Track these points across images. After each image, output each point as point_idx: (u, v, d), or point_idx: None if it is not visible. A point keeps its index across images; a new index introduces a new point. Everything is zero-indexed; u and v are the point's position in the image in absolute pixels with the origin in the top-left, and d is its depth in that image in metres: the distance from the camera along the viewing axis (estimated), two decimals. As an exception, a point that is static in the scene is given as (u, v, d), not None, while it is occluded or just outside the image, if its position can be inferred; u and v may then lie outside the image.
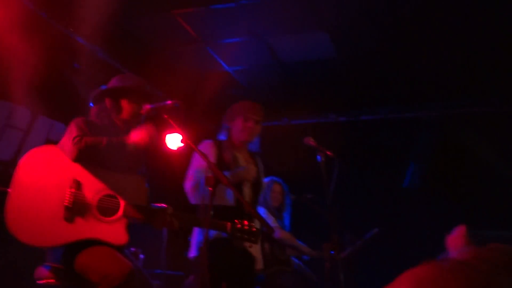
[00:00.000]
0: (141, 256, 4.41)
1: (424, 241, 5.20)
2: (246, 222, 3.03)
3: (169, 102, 2.88)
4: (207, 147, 3.56)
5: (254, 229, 3.04)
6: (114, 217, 2.79)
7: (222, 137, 3.72)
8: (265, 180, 5.03)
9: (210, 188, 2.70)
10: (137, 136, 2.89)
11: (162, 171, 5.57)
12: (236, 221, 3.02)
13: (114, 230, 2.77)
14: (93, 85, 3.36)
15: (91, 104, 3.17)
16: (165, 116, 2.88)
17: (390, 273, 1.42)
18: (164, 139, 5.40)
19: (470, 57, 5.28)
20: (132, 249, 4.13)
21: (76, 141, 2.76)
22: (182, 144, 3.38)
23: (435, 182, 6.37)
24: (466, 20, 4.65)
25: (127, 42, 5.24)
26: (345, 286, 3.68)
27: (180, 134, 2.87)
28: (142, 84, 3.13)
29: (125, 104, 3.08)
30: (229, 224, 3.01)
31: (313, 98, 6.38)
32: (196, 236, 3.42)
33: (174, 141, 5.38)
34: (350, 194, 5.60)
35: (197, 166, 3.43)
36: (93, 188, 2.81)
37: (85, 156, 2.78)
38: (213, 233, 3.21)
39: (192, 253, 3.41)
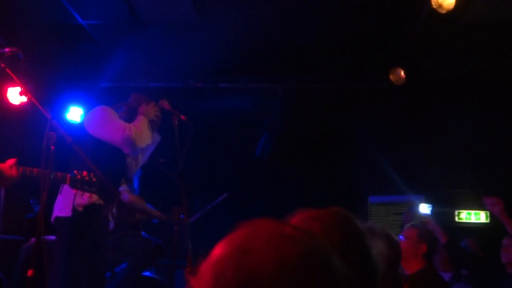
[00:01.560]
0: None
1: (271, 208, 5.49)
2: (85, 173, 3.02)
3: (7, 49, 2.61)
4: (110, 112, 3.65)
5: (95, 179, 3.03)
6: None
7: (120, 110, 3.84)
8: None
9: (52, 147, 2.62)
10: None
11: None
12: (75, 172, 3.00)
13: None
14: None
15: None
16: (3, 65, 2.62)
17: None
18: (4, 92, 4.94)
19: (326, 35, 5.55)
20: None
21: None
22: (24, 99, 3.10)
23: (286, 152, 6.72)
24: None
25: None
26: (192, 250, 3.74)
27: (20, 86, 2.65)
28: None
29: None
30: (68, 176, 3.00)
31: (173, 62, 6.27)
32: (69, 196, 3.34)
33: (15, 94, 4.94)
34: (203, 159, 5.67)
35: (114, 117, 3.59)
36: None
37: None
38: (87, 199, 3.21)
39: (63, 212, 3.37)
